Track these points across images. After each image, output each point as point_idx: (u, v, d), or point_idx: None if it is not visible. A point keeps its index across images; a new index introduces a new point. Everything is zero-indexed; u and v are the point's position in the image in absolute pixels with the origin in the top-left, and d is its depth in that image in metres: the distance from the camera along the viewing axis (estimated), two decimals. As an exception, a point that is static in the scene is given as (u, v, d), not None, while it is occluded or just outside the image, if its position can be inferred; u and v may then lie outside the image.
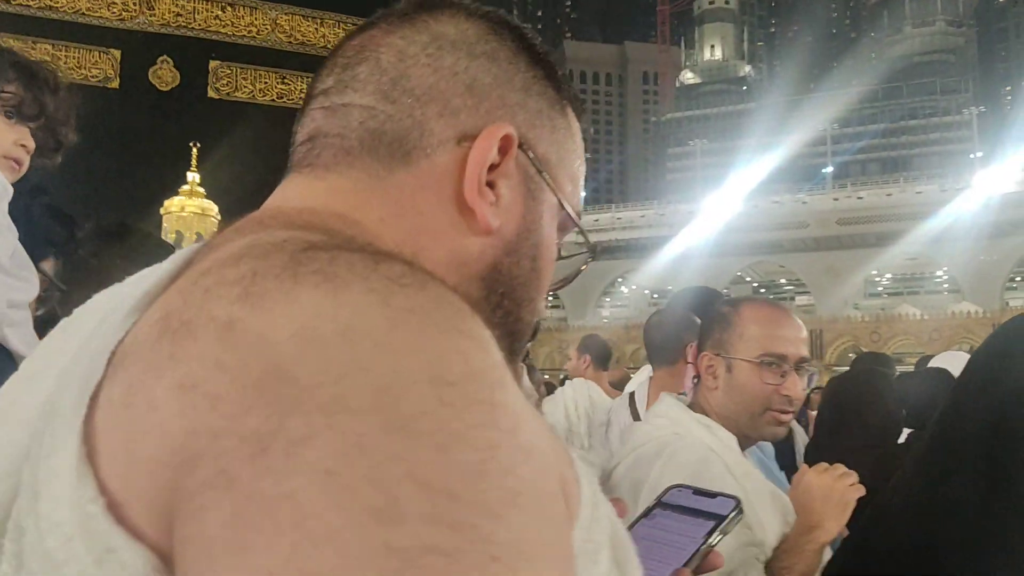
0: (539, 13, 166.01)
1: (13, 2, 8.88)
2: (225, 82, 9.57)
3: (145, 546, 0.38)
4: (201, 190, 6.63)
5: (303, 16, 9.94)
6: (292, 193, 0.58)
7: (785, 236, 51.23)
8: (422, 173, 0.57)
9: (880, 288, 53.95)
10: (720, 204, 52.55)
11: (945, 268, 47.10)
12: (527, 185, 0.61)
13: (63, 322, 0.54)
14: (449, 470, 0.35)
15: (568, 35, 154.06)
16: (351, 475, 0.34)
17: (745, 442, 1.70)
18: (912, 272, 52.11)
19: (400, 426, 0.36)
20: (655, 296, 51.81)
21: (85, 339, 0.47)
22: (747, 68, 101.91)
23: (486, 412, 0.38)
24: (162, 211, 6.47)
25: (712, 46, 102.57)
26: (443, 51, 0.59)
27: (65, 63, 9.05)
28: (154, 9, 9.44)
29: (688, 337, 2.70)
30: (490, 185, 0.58)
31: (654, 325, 3.03)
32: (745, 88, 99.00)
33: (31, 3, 8.96)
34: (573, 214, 0.65)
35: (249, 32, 9.72)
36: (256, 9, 9.75)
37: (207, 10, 9.61)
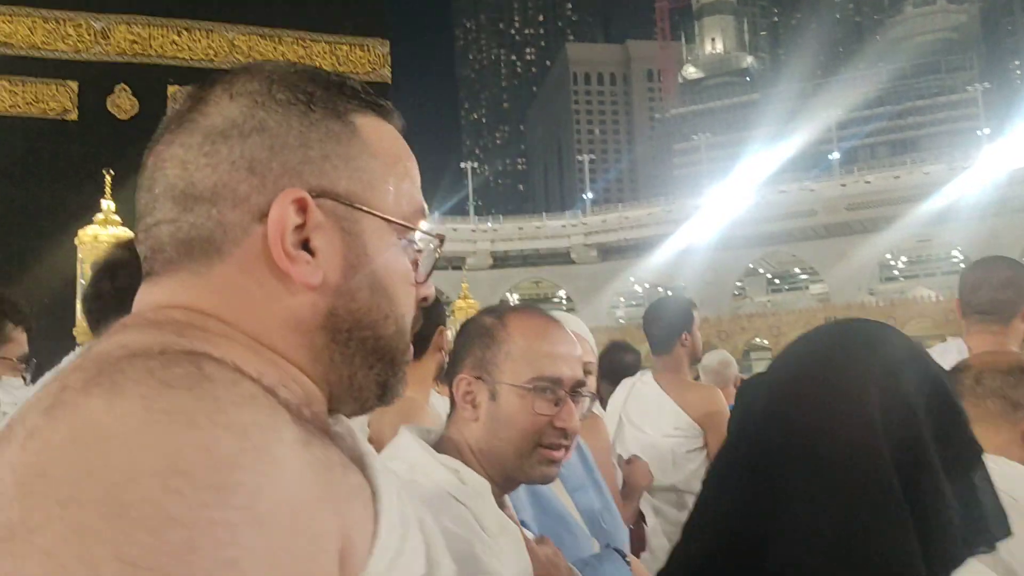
0: (540, 18, 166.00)
1: (-32, 40, 8.89)
2: (185, 107, 9.54)
3: None
4: (117, 218, 6.57)
5: (260, 36, 9.89)
6: (144, 298, 0.64)
7: (795, 225, 50.96)
8: (237, 260, 0.61)
9: (896, 272, 53.46)
10: (728, 197, 52.26)
11: (959, 248, 46.52)
12: (341, 225, 0.63)
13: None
14: (157, 549, 0.41)
15: (570, 37, 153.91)
16: (66, 556, 0.41)
17: (508, 486, 1.40)
18: (927, 254, 51.62)
19: (118, 513, 0.42)
20: (668, 292, 51.55)
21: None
22: (749, 59, 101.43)
23: (213, 494, 0.43)
24: (76, 241, 6.40)
25: (713, 39, 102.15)
26: (216, 145, 0.61)
27: (23, 98, 9.06)
28: (109, 39, 9.41)
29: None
30: (306, 243, 0.61)
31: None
32: (748, 79, 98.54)
33: (-14, 41, 8.96)
34: (401, 219, 0.66)
35: (207, 55, 9.69)
36: (212, 32, 9.71)
37: (163, 35, 9.58)
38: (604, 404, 4.06)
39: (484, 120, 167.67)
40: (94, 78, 9.27)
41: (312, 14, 10.04)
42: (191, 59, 9.62)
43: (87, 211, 8.61)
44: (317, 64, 9.98)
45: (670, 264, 50.59)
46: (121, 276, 1.94)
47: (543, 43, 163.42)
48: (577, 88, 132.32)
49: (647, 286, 54.39)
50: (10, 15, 9.05)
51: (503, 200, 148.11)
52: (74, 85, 9.23)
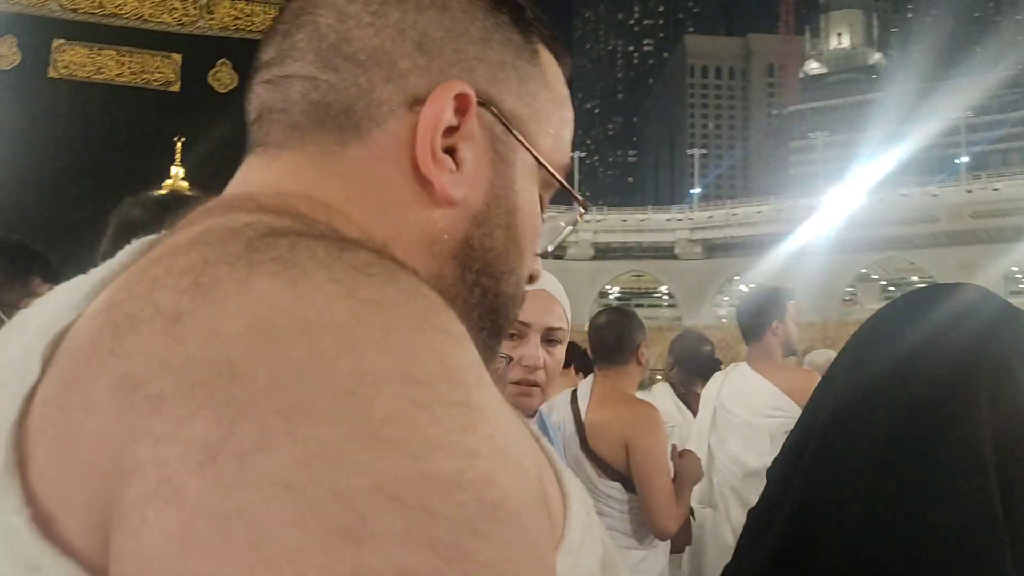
0: (660, 8, 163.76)
1: (80, 11, 9.31)
2: (281, 82, 9.78)
3: (77, 563, 0.34)
4: (184, 183, 6.77)
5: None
6: (251, 176, 0.54)
7: (914, 231, 48.88)
8: (376, 145, 0.52)
9: (1022, 286, 50.71)
10: (843, 198, 50.49)
11: (1093, 263, 43.71)
12: (494, 146, 0.55)
13: (20, 314, 0.48)
14: (424, 482, 0.32)
15: (691, 29, 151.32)
16: (313, 489, 0.31)
17: None
18: (1057, 268, 48.79)
19: (368, 433, 0.32)
20: (776, 294, 50.16)
21: (32, 333, 0.42)
22: (877, 56, 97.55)
23: (463, 415, 0.35)
24: None
25: (839, 34, 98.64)
26: (387, 6, 0.53)
27: (129, 68, 9.43)
28: (214, 14, 9.71)
29: (639, 337, 2.81)
30: (451, 151, 0.53)
31: (604, 325, 2.96)
32: (874, 77, 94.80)
33: (96, 12, 9.36)
34: (553, 170, 0.58)
35: (305, 32, 9.89)
36: (312, 9, 9.91)
37: (264, 12, 9.82)
38: (678, 392, 3.96)
39: (597, 111, 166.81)
40: (197, 52, 9.57)
41: None
42: (290, 35, 9.84)
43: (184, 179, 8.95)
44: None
45: (778, 265, 49.18)
46: (145, 235, 1.95)
47: (662, 35, 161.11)
48: (694, 81, 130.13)
49: (753, 286, 53.10)
50: (122, -12, 9.43)
51: (612, 192, 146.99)
52: (178, 58, 9.56)
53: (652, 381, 4.73)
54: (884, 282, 55.07)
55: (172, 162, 8.94)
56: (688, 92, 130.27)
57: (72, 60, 9.30)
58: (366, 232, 0.49)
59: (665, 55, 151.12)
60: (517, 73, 0.56)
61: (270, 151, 0.54)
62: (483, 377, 0.37)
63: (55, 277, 2.04)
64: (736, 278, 52.83)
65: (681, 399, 3.76)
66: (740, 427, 3.05)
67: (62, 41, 9.26)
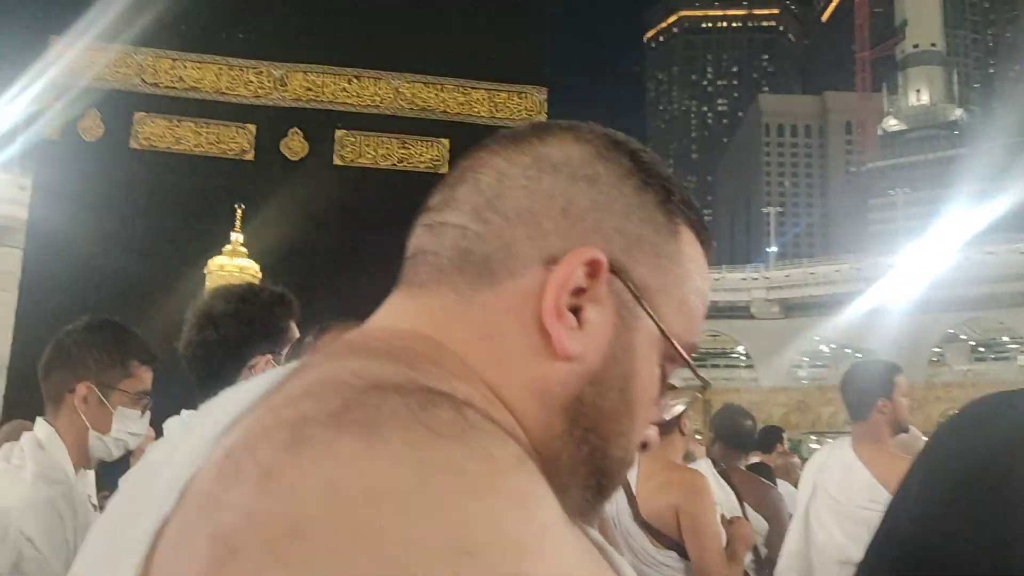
0: (734, 68, 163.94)
1: (161, 85, 9.77)
2: (350, 150, 10.03)
3: None
4: (243, 249, 6.93)
5: (423, 83, 10.29)
6: (389, 311, 0.61)
7: (1004, 289, 47.20)
8: (507, 294, 0.57)
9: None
10: (927, 256, 49.07)
11: None
12: (620, 312, 0.58)
13: (189, 419, 0.56)
14: None
15: (765, 88, 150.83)
16: None
17: None
18: None
19: None
20: (858, 355, 48.87)
21: (180, 462, 0.47)
22: (958, 112, 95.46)
23: None
24: (205, 270, 6.82)
25: (918, 90, 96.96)
26: (543, 173, 0.59)
27: (206, 138, 9.83)
28: (287, 85, 10.08)
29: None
30: (577, 310, 0.57)
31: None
32: (956, 133, 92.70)
33: (176, 86, 9.82)
34: (677, 344, 0.60)
35: (373, 101, 10.17)
36: (380, 79, 10.20)
37: (335, 83, 10.15)
38: (718, 467, 3.87)
39: (672, 171, 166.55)
40: (270, 122, 9.92)
41: (473, 63, 10.34)
42: (359, 105, 10.12)
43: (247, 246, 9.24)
44: (475, 110, 10.31)
45: (860, 325, 47.86)
46: (227, 326, 2.03)
47: (736, 94, 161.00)
48: (769, 140, 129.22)
49: (834, 346, 51.76)
50: (200, 62, 9.87)
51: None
52: (252, 128, 9.92)
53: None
54: (973, 343, 53.06)
55: (239, 228, 9.26)
56: (763, 151, 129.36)
57: (152, 132, 9.74)
58: (479, 372, 0.54)
59: (740, 114, 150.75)
60: (653, 248, 0.59)
61: (412, 289, 0.60)
62: (547, 541, 0.39)
63: (152, 359, 2.13)
64: (816, 338, 51.54)
65: (721, 475, 3.66)
66: (838, 511, 2.95)
67: (143, 114, 9.72)
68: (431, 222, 0.62)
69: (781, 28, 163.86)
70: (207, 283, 6.61)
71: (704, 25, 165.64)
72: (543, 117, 10.54)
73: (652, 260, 0.59)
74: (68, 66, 9.68)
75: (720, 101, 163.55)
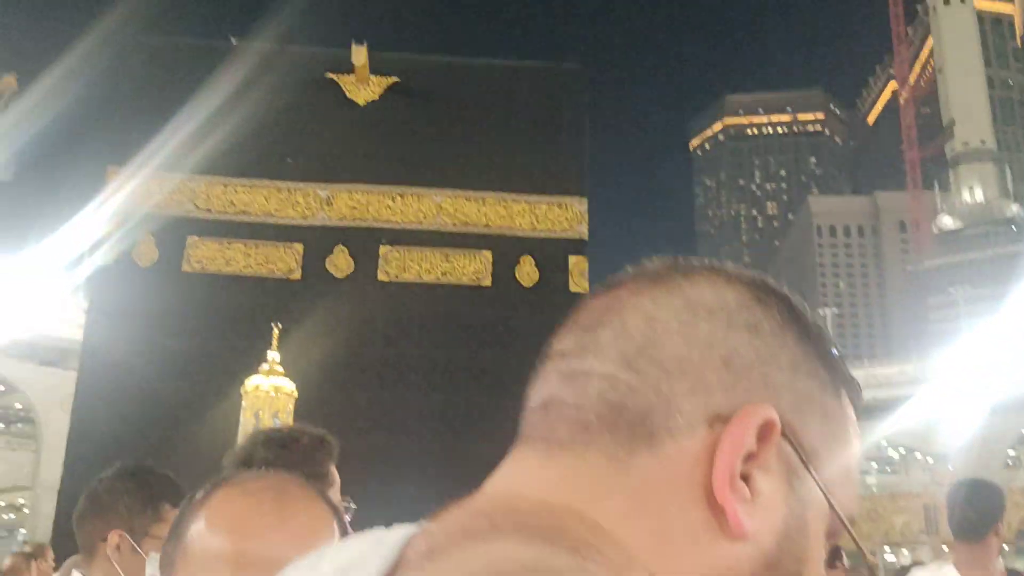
0: (782, 172, 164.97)
1: (214, 210, 10.13)
2: (394, 265, 10.20)
3: None
4: (280, 369, 6.96)
5: (465, 198, 10.52)
6: (525, 476, 0.53)
7: (1081, 387, 45.26)
8: (667, 459, 0.50)
9: None
10: (993, 355, 47.53)
11: None
12: (790, 482, 0.52)
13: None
14: None
15: (814, 190, 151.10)
16: None
17: None
18: None
19: None
20: (929, 460, 47.03)
21: None
22: (1015, 207, 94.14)
23: None
24: (242, 390, 6.86)
25: (970, 188, 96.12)
26: (698, 318, 0.54)
27: (255, 259, 10.11)
28: (332, 205, 10.38)
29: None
30: (745, 478, 0.50)
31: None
32: (1014, 228, 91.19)
33: (228, 210, 10.18)
34: (846, 519, 0.54)
35: (416, 217, 10.40)
36: (423, 196, 10.46)
37: (379, 201, 10.43)
38: None
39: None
40: (317, 240, 10.19)
41: (513, 176, 10.57)
42: (402, 221, 10.37)
43: (287, 364, 9.34)
44: (517, 222, 10.46)
45: (928, 428, 46.15)
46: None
47: (785, 197, 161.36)
48: (821, 241, 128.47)
49: (903, 451, 49.90)
50: (250, 186, 10.25)
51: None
52: (299, 247, 10.20)
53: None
54: (1051, 443, 50.77)
55: (298, 346, 9.38)
56: (816, 252, 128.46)
57: (204, 255, 10.06)
58: (637, 557, 0.47)
59: (790, 216, 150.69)
60: (821, 408, 0.54)
61: (551, 448, 0.52)
62: None
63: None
64: (883, 442, 49.78)
65: None
66: None
67: (196, 238, 10.06)
68: (568, 369, 0.54)
69: (827, 131, 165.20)
70: (243, 404, 6.67)
71: (749, 131, 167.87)
72: (584, 228, 10.66)
73: (819, 421, 0.53)
74: (125, 195, 10.13)
75: (770, 204, 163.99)
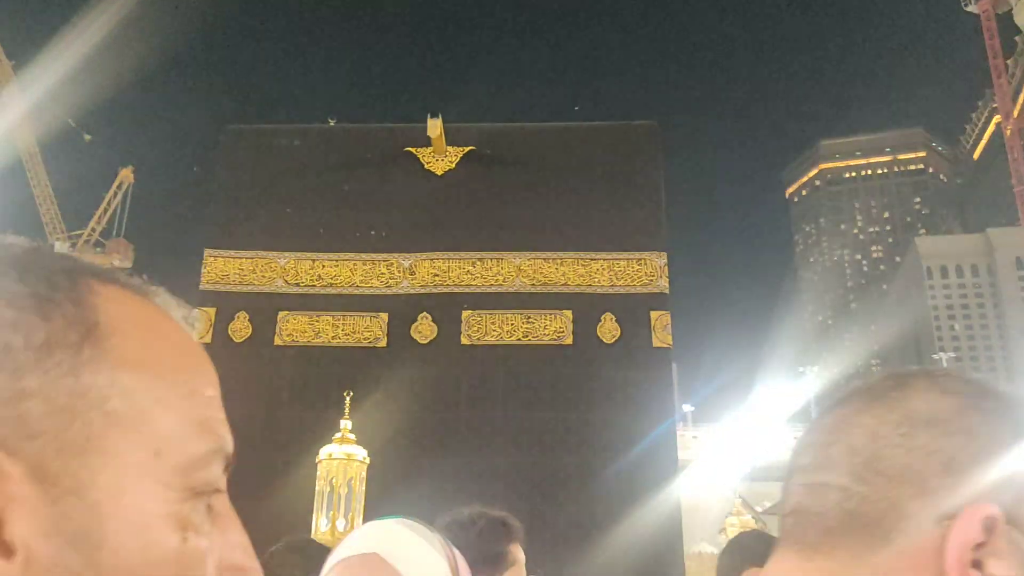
0: (885, 214, 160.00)
1: (303, 284, 10.53)
2: (475, 328, 10.35)
3: None
4: (352, 437, 7.07)
5: (543, 260, 10.63)
6: (787, 570, 0.65)
7: None
8: (903, 555, 0.59)
9: None
10: None
11: None
12: (1021, 560, 0.59)
13: None
14: None
15: (921, 231, 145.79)
16: None
17: None
18: None
19: None
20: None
21: None
22: None
23: None
24: (317, 460, 6.99)
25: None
26: (916, 430, 0.62)
27: (343, 330, 10.43)
28: (415, 274, 10.66)
29: None
30: (976, 564, 0.58)
31: None
32: None
33: (316, 284, 10.56)
34: None
35: (496, 280, 10.56)
36: (502, 260, 10.63)
37: (460, 267, 10.65)
38: None
39: (830, 322, 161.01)
40: (401, 309, 10.45)
41: (591, 235, 10.66)
42: (482, 285, 10.55)
43: (377, 431, 9.53)
44: (595, 280, 10.52)
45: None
46: None
47: (890, 239, 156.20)
48: (933, 283, 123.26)
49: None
50: (336, 260, 10.63)
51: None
52: (385, 316, 10.48)
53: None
54: None
55: (384, 412, 9.59)
56: (929, 294, 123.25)
57: (295, 328, 10.44)
58: None
59: (897, 259, 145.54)
60: None
61: (805, 552, 0.63)
62: None
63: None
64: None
65: None
66: None
67: (287, 312, 10.46)
68: (808, 482, 0.64)
69: (930, 170, 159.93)
70: (318, 471, 6.85)
71: (847, 175, 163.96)
72: (664, 282, 10.62)
73: None
74: (220, 275, 10.65)
75: (874, 248, 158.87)
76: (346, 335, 10.41)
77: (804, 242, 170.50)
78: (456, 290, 10.53)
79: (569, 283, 10.56)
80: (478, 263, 10.67)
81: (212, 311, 10.53)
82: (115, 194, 64.58)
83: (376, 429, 9.88)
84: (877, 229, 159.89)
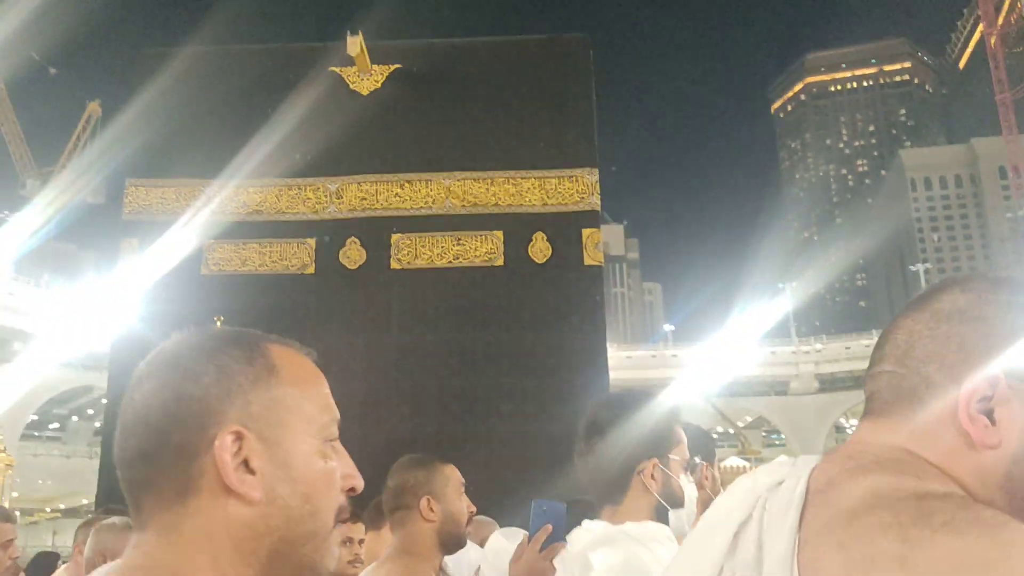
0: (870, 128, 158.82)
1: (227, 212, 10.30)
2: (406, 252, 10.19)
3: None
4: None
5: (473, 179, 10.41)
6: (871, 435, 0.90)
7: None
8: (934, 412, 0.85)
9: None
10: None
11: None
12: None
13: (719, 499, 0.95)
14: None
15: (907, 143, 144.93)
16: None
17: None
18: None
19: None
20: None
21: (747, 510, 0.88)
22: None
23: None
24: None
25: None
26: (939, 322, 0.87)
27: (269, 257, 10.24)
28: (343, 198, 10.43)
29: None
30: (990, 412, 0.82)
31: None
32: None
33: (241, 211, 10.33)
34: None
35: (425, 203, 10.35)
36: (431, 181, 10.40)
37: (388, 190, 10.42)
38: None
39: (816, 238, 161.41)
40: (328, 234, 10.25)
41: (521, 154, 10.41)
42: (412, 208, 10.33)
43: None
44: (527, 199, 10.31)
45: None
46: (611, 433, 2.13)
47: (876, 153, 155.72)
48: (916, 195, 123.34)
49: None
50: (261, 186, 10.38)
51: (845, 319, 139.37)
52: (312, 242, 10.28)
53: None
54: None
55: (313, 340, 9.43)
56: (912, 207, 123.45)
57: (221, 257, 10.25)
58: (938, 468, 0.83)
59: (882, 172, 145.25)
60: None
61: (873, 418, 0.91)
62: None
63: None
64: None
65: None
66: None
67: (212, 241, 10.26)
68: (872, 372, 0.92)
69: (916, 80, 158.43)
70: None
71: (833, 88, 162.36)
72: (596, 199, 10.42)
73: None
74: (142, 204, 10.41)
75: (859, 162, 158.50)
76: (273, 263, 10.22)
77: (790, 158, 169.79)
78: (385, 214, 10.28)
79: (500, 203, 10.34)
80: (406, 185, 10.42)
81: (135, 242, 10.32)
82: (83, 128, 63.48)
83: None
84: (862, 143, 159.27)
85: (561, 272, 10.04)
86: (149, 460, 0.83)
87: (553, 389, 9.40)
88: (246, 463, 0.84)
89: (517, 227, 10.19)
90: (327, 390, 0.96)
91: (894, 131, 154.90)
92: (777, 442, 55.78)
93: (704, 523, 0.92)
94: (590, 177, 10.41)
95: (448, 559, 2.59)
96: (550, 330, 9.74)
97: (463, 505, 2.50)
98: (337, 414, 0.94)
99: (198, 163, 10.37)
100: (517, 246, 10.13)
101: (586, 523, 1.84)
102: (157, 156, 10.49)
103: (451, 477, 2.48)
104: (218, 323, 6.85)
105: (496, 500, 5.09)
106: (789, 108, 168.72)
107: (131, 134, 10.84)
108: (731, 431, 53.30)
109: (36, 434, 47.06)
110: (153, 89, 10.77)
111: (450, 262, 10.13)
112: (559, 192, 10.37)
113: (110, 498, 8.20)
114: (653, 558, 1.66)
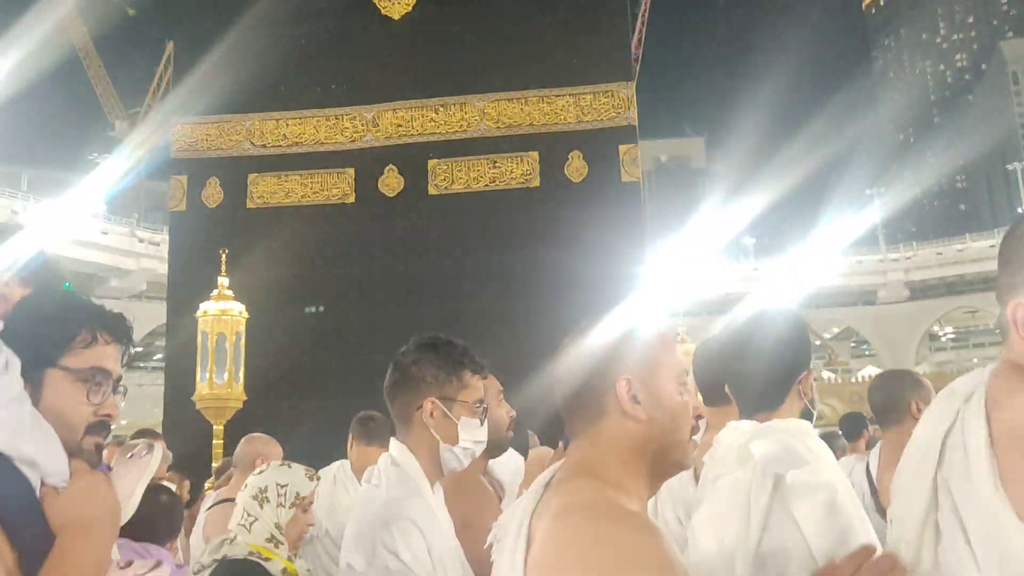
0: (969, 19, 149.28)
1: (269, 145, 10.50)
2: (443, 178, 10.24)
3: None
4: (229, 293, 7.08)
5: (507, 100, 10.31)
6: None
7: None
8: (1009, 311, 1.27)
9: None
10: None
11: None
12: None
13: None
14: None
15: (1009, 34, 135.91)
16: None
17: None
18: None
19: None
20: None
21: None
22: None
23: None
24: (197, 315, 7.03)
25: None
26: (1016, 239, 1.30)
27: (311, 188, 10.44)
28: (379, 126, 10.49)
29: (911, 395, 3.26)
30: None
31: (872, 388, 3.46)
32: None
33: (282, 143, 10.51)
34: None
35: (460, 127, 10.32)
36: (464, 104, 10.34)
37: (423, 115, 10.42)
38: None
39: (912, 140, 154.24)
40: (367, 163, 10.36)
41: (555, 71, 10.24)
42: (447, 132, 10.33)
43: (349, 286, 9.71)
44: (561, 118, 10.17)
45: None
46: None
47: (975, 46, 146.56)
48: (1019, 88, 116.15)
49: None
50: (300, 118, 10.52)
51: (946, 222, 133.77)
52: (351, 172, 10.41)
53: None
54: None
55: (356, 270, 9.71)
56: (1015, 101, 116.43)
57: (264, 190, 10.49)
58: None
59: (983, 67, 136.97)
60: None
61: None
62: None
63: (481, 368, 2.32)
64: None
65: None
66: None
67: (256, 175, 10.50)
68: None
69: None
70: (199, 326, 6.96)
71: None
72: (633, 114, 10.22)
73: None
74: (188, 142, 10.69)
75: (958, 56, 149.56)
76: (315, 193, 10.41)
77: (883, 56, 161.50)
78: (421, 140, 10.31)
79: (535, 123, 10.23)
80: (440, 110, 10.39)
81: (184, 179, 10.64)
82: (165, 68, 64.88)
83: (349, 284, 10.04)
84: (961, 35, 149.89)
85: (599, 190, 9.94)
86: (578, 396, 1.39)
87: (593, 306, 9.40)
88: (635, 397, 1.35)
89: (553, 147, 10.10)
90: (678, 354, 1.45)
91: (995, 21, 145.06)
92: (867, 353, 54.53)
93: (915, 441, 1.33)
94: (626, 91, 10.20)
95: (492, 463, 2.76)
96: (589, 249, 9.69)
97: (503, 411, 2.63)
98: (688, 366, 1.30)
99: (238, 99, 10.54)
100: (553, 166, 10.06)
101: (732, 423, 1.97)
102: (199, 94, 10.70)
103: (491, 386, 2.54)
104: (223, 255, 7.01)
105: (531, 420, 5.18)
106: (881, 2, 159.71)
107: (179, 74, 11.09)
108: (817, 343, 52.33)
109: (141, 365, 49.64)
110: (188, 27, 10.98)
111: (487, 185, 10.14)
112: (594, 108, 10.20)
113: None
114: (805, 447, 1.85)
